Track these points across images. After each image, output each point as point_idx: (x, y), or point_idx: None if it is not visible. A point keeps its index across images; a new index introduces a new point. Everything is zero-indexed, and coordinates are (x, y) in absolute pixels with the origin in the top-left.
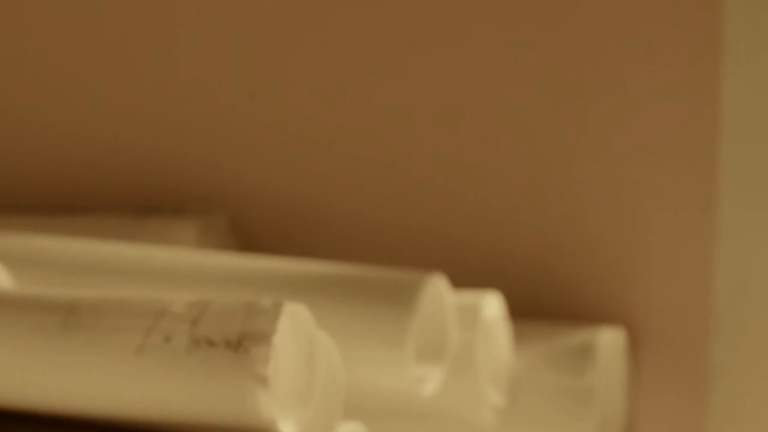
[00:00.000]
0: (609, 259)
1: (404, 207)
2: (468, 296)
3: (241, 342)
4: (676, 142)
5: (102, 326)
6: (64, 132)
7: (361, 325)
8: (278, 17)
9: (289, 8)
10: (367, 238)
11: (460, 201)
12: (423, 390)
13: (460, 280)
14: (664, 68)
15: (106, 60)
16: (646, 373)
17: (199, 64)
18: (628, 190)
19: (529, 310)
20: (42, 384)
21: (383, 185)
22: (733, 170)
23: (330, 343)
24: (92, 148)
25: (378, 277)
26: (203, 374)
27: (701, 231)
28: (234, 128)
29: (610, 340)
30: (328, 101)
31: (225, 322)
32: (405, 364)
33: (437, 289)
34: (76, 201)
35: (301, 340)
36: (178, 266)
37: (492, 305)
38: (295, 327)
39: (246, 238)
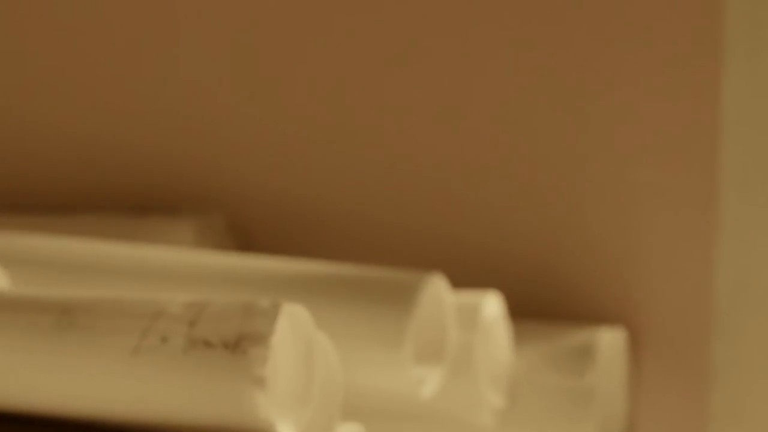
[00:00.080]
0: (609, 259)
1: (403, 206)
2: (467, 296)
3: (239, 343)
4: (676, 142)
5: (97, 327)
6: (61, 131)
7: (360, 326)
8: (277, 17)
9: (289, 8)
10: (365, 237)
11: (460, 201)
12: (422, 391)
13: (460, 280)
14: (664, 68)
15: (103, 59)
16: (647, 373)
17: (197, 63)
18: (628, 190)
19: (529, 311)
20: (36, 385)
21: (382, 185)
22: (734, 170)
23: (328, 344)
24: (89, 147)
25: (377, 277)
26: (200, 376)
27: (702, 231)
28: (231, 127)
29: (610, 340)
30: (327, 100)
31: (222, 323)
32: (404, 365)
33: (436, 289)
34: (72, 200)
35: (300, 341)
36: (174, 266)
37: (492, 305)
38: (293, 328)
39: (244, 238)
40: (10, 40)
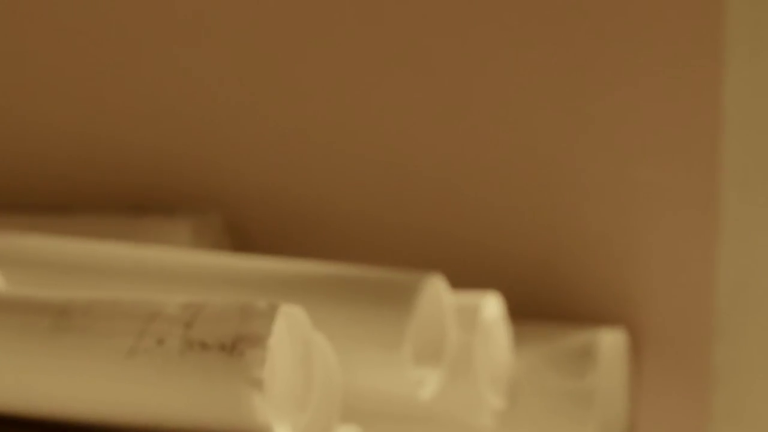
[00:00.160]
0: (610, 260)
1: (403, 206)
2: (467, 297)
3: (236, 345)
4: (677, 142)
5: (93, 329)
6: (59, 131)
7: (359, 327)
8: (277, 17)
9: (289, 8)
10: (365, 237)
11: (460, 201)
12: (421, 393)
13: (460, 281)
14: (664, 68)
15: (103, 59)
16: (648, 374)
17: (196, 63)
18: (628, 190)
19: (529, 311)
20: (32, 387)
21: (382, 184)
22: (735, 170)
23: (326, 345)
24: (88, 147)
25: (376, 278)
26: (197, 378)
27: (703, 231)
28: (230, 127)
29: (611, 341)
30: (326, 100)
31: (219, 324)
32: (403, 366)
33: (436, 290)
34: (70, 200)
35: (297, 342)
36: (171, 266)
37: (491, 306)
38: (290, 329)
39: (242, 238)
40: (10, 40)
